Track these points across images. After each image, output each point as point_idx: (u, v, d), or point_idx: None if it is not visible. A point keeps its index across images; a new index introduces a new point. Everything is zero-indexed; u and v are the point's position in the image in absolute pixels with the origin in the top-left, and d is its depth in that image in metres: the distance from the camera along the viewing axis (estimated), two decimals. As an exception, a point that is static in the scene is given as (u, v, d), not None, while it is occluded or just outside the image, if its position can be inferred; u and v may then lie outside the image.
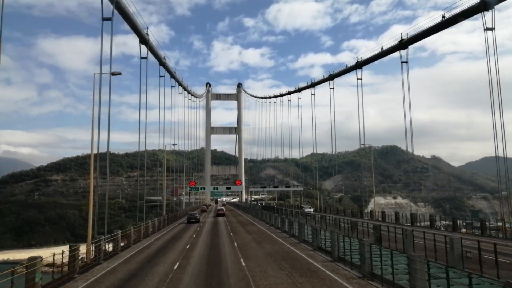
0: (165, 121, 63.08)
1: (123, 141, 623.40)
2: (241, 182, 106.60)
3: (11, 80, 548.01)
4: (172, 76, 69.61)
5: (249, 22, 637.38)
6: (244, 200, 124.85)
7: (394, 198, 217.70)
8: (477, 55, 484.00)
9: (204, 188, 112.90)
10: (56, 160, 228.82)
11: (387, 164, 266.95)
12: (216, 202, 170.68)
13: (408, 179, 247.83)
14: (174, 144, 74.55)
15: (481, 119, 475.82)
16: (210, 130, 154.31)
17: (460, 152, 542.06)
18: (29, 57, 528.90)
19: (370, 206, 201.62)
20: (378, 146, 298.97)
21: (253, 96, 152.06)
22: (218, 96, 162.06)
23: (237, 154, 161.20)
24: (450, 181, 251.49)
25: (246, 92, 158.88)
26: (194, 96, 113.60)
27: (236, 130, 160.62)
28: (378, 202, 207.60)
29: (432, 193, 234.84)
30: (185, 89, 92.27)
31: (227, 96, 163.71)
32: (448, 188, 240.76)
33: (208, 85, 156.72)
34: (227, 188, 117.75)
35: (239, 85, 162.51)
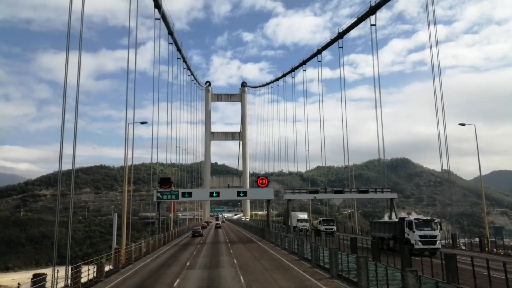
0: (158, 135, 55.41)
1: (122, 156, 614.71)
2: (267, 182, 56.18)
3: (10, 96, 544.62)
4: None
5: (248, 36, 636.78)
6: (249, 217, 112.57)
7: (409, 214, 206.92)
8: (479, 68, 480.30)
9: (190, 194, 55.80)
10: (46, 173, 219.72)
11: (398, 177, 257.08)
12: (217, 219, 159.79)
13: (421, 193, 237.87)
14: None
15: (484, 132, 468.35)
16: (210, 135, 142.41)
17: (463, 167, 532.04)
18: (28, 73, 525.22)
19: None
20: (388, 159, 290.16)
21: (256, 87, 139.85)
22: (219, 97, 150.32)
23: (240, 167, 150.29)
24: (466, 195, 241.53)
25: (250, 86, 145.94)
26: (198, 82, 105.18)
27: (239, 135, 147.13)
28: (392, 218, 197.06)
29: (447, 208, 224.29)
30: (186, 62, 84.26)
31: (229, 97, 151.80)
32: (464, 203, 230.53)
33: (207, 83, 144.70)
34: (240, 193, 58.53)
35: (243, 84, 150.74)
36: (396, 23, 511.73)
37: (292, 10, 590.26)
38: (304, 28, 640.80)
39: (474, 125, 46.17)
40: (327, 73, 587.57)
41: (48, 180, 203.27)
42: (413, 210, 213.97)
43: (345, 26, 54.92)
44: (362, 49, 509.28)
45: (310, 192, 61.53)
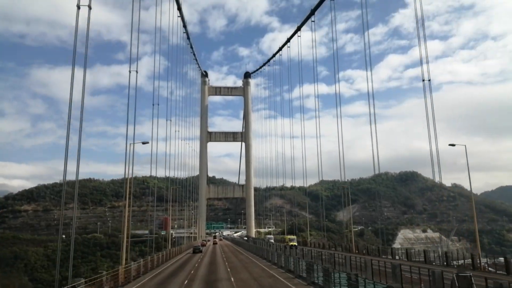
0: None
1: (118, 173, 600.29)
2: None
3: (4, 111, 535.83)
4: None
5: (243, 51, 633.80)
6: (254, 235, 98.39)
7: (424, 231, 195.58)
8: (476, 84, 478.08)
9: None
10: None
11: (408, 192, 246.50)
12: (214, 237, 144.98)
13: (434, 209, 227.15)
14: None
15: (487, 147, 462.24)
16: (207, 135, 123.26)
17: (465, 183, 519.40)
18: (22, 88, 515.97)
19: (398, 241, 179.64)
20: (396, 172, 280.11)
21: (258, 69, 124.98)
22: (218, 90, 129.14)
23: (241, 182, 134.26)
24: (481, 211, 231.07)
25: (253, 72, 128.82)
26: (200, 68, 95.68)
27: (242, 135, 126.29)
28: (407, 236, 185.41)
29: (463, 224, 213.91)
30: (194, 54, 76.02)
31: (230, 90, 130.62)
32: (481, 219, 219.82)
33: (204, 74, 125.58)
34: None
35: (246, 75, 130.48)
36: (392, 38, 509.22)
37: (287, 25, 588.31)
38: (300, 43, 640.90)
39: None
40: (323, 88, 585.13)
41: (30, 195, 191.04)
42: (428, 227, 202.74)
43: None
44: (358, 65, 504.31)
45: None
